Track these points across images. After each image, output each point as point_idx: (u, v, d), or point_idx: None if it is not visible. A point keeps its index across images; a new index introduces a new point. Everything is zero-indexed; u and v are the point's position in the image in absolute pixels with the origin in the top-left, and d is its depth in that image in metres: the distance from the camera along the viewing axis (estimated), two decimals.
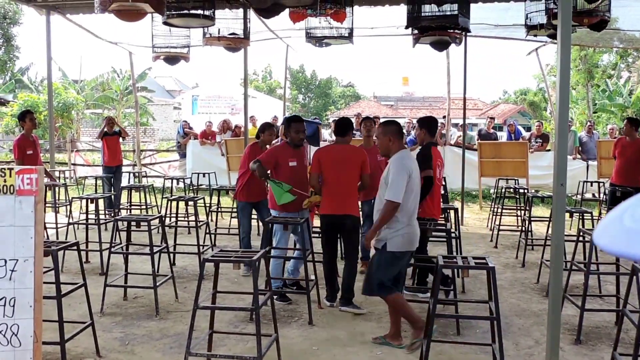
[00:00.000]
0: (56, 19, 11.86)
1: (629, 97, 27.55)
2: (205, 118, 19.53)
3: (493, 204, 10.98)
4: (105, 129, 12.11)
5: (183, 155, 16.00)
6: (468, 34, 9.01)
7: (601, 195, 11.28)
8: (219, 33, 8.94)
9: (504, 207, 10.09)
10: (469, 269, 4.32)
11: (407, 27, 7.09)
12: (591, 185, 11.85)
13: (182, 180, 12.20)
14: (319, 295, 6.36)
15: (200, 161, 14.78)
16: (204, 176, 12.13)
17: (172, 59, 10.08)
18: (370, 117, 7.54)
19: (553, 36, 8.27)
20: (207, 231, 8.69)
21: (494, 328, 4.28)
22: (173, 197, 9.03)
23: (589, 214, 7.63)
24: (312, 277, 6.28)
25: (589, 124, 15.40)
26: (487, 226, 10.98)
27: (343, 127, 6.27)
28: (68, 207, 9.54)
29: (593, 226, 7.19)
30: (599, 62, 29.88)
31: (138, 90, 24.65)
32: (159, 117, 39.18)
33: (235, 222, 9.55)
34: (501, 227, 9.77)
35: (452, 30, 7.22)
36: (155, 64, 38.15)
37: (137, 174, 14.08)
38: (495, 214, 10.32)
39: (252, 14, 9.92)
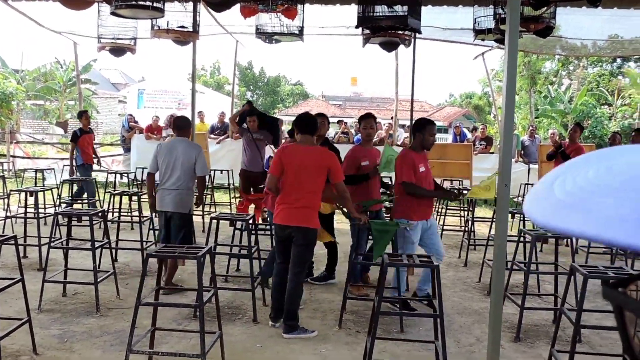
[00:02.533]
0: None
1: (569, 103, 28.41)
2: (151, 112, 19.19)
3: (437, 204, 11.14)
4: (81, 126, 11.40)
5: (127, 150, 15.68)
6: (417, 36, 9.11)
7: None
8: (167, 25, 8.78)
9: (448, 207, 10.26)
10: (414, 267, 4.36)
11: (357, 27, 7.12)
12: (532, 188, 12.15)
13: (125, 174, 11.95)
14: (263, 292, 6.33)
15: (145, 156, 14.46)
16: None
17: (118, 51, 9.85)
18: (371, 114, 6.75)
19: (500, 41, 8.44)
20: (151, 227, 8.53)
21: (436, 326, 4.34)
22: (116, 191, 8.84)
23: None
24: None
25: (531, 128, 15.80)
26: None
27: (310, 123, 5.43)
28: (6, 200, 9.23)
29: (533, 227, 7.38)
30: (541, 69, 30.69)
31: (82, 82, 24.03)
32: (103, 110, 38.29)
33: None
34: (445, 227, 9.92)
35: (402, 32, 7.28)
36: (100, 56, 37.27)
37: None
38: (439, 214, 10.48)
39: (202, 7, 9.79)
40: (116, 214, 9.01)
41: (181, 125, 6.64)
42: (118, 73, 54.09)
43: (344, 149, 13.66)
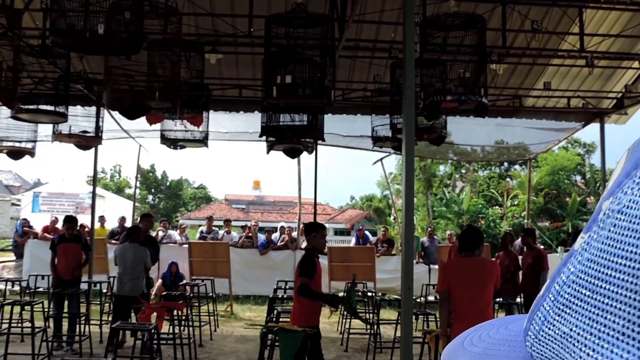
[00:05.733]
0: None
1: (462, 205, 29.84)
2: (47, 217, 18.47)
3: (341, 307, 11.17)
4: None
5: (20, 256, 14.88)
6: (319, 142, 9.46)
7: None
8: (69, 130, 8.69)
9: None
10: None
11: (261, 136, 7.33)
12: (433, 288, 12.46)
13: (17, 282, 11.30)
14: None
15: (39, 262, 13.77)
16: (42, 278, 11.28)
17: (16, 154, 9.61)
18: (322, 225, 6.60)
19: (397, 148, 8.91)
20: (44, 338, 8.02)
21: None
22: (6, 301, 8.34)
23: (433, 316, 8.01)
24: None
25: (430, 229, 16.39)
26: (337, 330, 11.11)
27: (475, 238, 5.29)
28: None
29: (437, 327, 7.54)
30: (436, 172, 32.26)
31: None
32: None
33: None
34: (351, 331, 9.92)
35: (304, 139, 7.56)
36: None
37: None
38: (345, 317, 10.51)
39: (104, 112, 9.79)
40: (5, 326, 8.43)
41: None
42: (12, 175, 52.03)
43: (248, 254, 13.69)
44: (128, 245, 8.45)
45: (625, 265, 0.37)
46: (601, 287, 0.38)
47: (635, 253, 0.36)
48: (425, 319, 8.30)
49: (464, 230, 6.38)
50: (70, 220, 9.54)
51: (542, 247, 13.32)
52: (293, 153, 8.27)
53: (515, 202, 30.33)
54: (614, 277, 0.37)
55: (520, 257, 9.98)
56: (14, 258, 15.86)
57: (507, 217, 29.81)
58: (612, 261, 0.38)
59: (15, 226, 16.95)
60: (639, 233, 0.36)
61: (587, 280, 0.40)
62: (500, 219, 29.86)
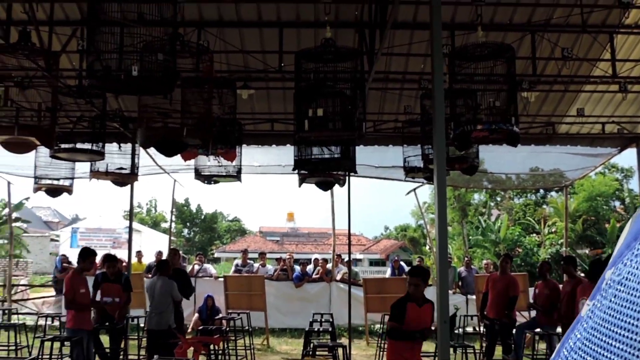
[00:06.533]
0: None
1: (499, 233, 29.43)
2: None
3: (380, 339, 11.07)
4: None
5: (60, 291, 15.10)
6: (351, 174, 9.49)
7: (481, 328, 11.69)
8: (106, 168, 8.88)
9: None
10: None
11: (294, 169, 7.39)
12: (471, 319, 12.28)
13: (57, 318, 11.46)
14: None
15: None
16: None
17: (54, 191, 9.83)
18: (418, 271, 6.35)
19: (429, 178, 8.88)
20: None
21: None
22: (47, 336, 8.46)
23: (471, 348, 7.87)
24: None
25: (466, 259, 16.19)
26: None
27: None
28: None
29: (476, 359, 7.42)
30: (471, 201, 31.95)
31: (13, 220, 23.48)
32: (34, 249, 37.12)
33: None
34: None
35: (336, 172, 7.59)
36: (33, 194, 36.75)
37: (6, 311, 13.10)
38: (382, 349, 10.39)
39: (139, 149, 9.98)
40: None
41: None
42: (51, 211, 53.12)
43: (284, 287, 13.67)
44: (156, 279, 8.53)
45: (624, 336, 0.38)
46: (604, 355, 0.39)
47: (633, 325, 0.37)
48: (464, 352, 8.16)
49: (594, 260, 6.48)
50: (110, 259, 9.48)
51: (582, 275, 13.03)
52: (325, 186, 8.30)
53: (553, 230, 29.81)
54: (615, 346, 0.38)
55: (560, 286, 9.79)
56: (54, 293, 16.11)
57: (545, 245, 29.29)
58: (613, 331, 0.39)
59: (54, 262, 17.24)
60: (637, 306, 0.37)
61: (591, 348, 0.41)
62: (538, 247, 29.36)
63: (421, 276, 5.95)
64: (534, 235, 31.36)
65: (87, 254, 8.05)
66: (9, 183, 14.93)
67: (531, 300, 10.25)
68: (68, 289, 7.74)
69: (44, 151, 8.71)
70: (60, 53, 8.05)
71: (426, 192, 38.31)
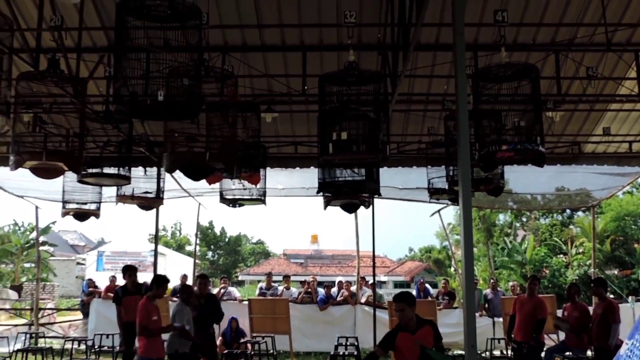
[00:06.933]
0: None
1: (525, 254, 29.08)
2: (110, 275, 18.90)
3: None
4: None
5: (87, 315, 15.21)
6: (376, 196, 9.46)
7: (509, 352, 11.51)
8: (132, 192, 8.97)
9: None
10: None
11: (318, 192, 7.38)
12: (499, 342, 12.10)
13: (83, 341, 11.52)
14: None
15: (104, 321, 14.02)
16: (107, 337, 11.48)
17: (82, 216, 9.94)
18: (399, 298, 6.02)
19: (454, 200, 8.81)
20: None
21: None
22: None
23: None
24: None
25: (492, 281, 16.00)
26: None
27: None
28: None
29: None
30: (496, 221, 31.64)
31: (40, 244, 23.78)
32: (60, 273, 37.52)
33: None
34: None
35: (361, 194, 7.57)
36: (60, 218, 37.26)
37: (33, 335, 13.20)
38: None
39: (165, 173, 10.07)
40: None
41: None
42: (77, 235, 53.70)
43: (308, 310, 13.59)
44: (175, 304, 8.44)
45: None
46: None
47: None
48: None
49: None
50: (130, 269, 9.63)
51: (612, 297, 12.79)
52: (350, 208, 8.27)
53: (581, 250, 29.40)
54: None
55: (590, 309, 9.63)
56: (80, 317, 16.22)
57: (573, 265, 28.87)
58: None
59: (81, 285, 17.40)
60: None
61: None
62: (565, 267, 28.95)
63: (405, 300, 5.65)
64: (561, 256, 30.94)
65: (161, 280, 7.79)
66: (36, 207, 15.15)
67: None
68: (142, 317, 7.45)
69: (71, 176, 8.82)
70: (88, 79, 8.19)
71: (450, 213, 38.04)
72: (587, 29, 8.26)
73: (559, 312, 11.11)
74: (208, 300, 8.99)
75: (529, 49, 8.65)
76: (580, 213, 32.73)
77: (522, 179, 12.58)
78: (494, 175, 7.81)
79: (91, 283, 16.03)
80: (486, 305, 14.57)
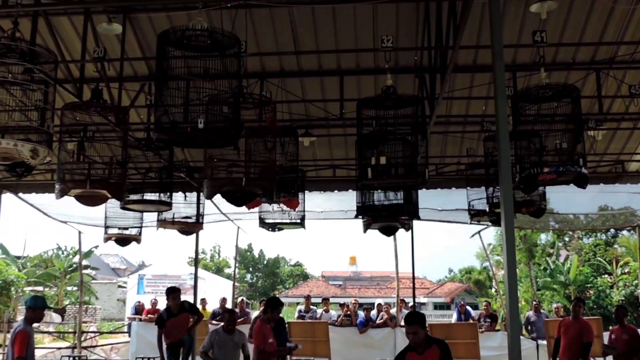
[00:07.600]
0: (7, 197, 11.87)
1: (569, 275, 28.44)
2: (151, 297, 19.10)
3: None
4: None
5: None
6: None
7: None
8: (173, 217, 9.08)
9: None
10: None
11: (357, 216, 7.37)
12: None
13: None
14: None
15: (145, 344, 14.12)
16: None
17: (123, 241, 10.09)
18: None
19: (495, 222, 8.70)
20: None
21: None
22: None
23: None
24: None
25: (535, 303, 15.68)
26: None
27: None
28: None
29: None
30: (538, 242, 31.07)
31: (82, 268, 24.19)
32: (102, 296, 38.06)
33: None
34: None
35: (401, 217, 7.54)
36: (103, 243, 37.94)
37: (77, 358, 13.38)
38: None
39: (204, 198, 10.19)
40: None
41: None
42: (118, 258, 54.48)
43: (348, 333, 13.49)
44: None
45: None
46: None
47: None
48: None
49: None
50: (174, 291, 9.49)
51: None
52: (389, 231, 8.24)
53: (626, 270, 28.62)
54: None
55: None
56: (122, 340, 16.38)
57: (618, 286, 28.11)
58: None
59: (120, 307, 17.60)
60: None
61: None
62: (610, 288, 28.20)
63: (419, 322, 5.50)
64: (606, 276, 30.17)
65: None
66: (79, 232, 15.43)
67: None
68: (260, 340, 7.39)
69: (113, 201, 8.98)
70: (129, 108, 8.37)
71: (491, 233, 37.48)
72: (628, 46, 8.13)
73: (605, 335, 10.81)
74: (278, 324, 8.79)
75: (569, 68, 8.55)
76: (624, 232, 31.94)
77: (564, 198, 12.36)
78: (535, 196, 7.69)
79: (140, 305, 16.17)
80: (529, 328, 14.27)
